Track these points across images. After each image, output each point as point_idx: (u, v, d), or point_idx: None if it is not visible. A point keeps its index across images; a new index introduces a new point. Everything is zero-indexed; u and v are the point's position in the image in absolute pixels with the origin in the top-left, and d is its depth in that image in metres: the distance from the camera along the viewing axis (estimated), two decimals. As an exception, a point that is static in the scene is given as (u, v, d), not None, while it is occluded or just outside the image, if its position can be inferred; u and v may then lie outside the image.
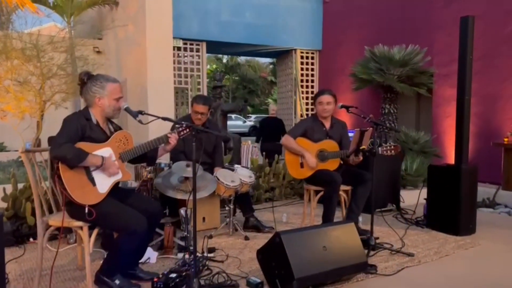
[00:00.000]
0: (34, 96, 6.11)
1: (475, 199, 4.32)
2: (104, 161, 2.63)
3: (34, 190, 2.79)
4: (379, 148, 3.67)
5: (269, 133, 7.53)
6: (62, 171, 2.54)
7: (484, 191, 5.48)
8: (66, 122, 2.66)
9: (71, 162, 2.54)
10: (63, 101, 6.43)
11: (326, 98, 4.03)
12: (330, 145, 3.97)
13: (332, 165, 3.92)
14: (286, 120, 10.57)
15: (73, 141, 2.58)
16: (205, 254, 3.33)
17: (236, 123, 22.76)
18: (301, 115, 10.19)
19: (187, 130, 2.84)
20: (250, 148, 7.68)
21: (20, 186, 4.00)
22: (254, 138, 8.55)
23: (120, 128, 2.92)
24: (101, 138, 2.75)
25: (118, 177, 2.75)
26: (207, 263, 3.19)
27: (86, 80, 2.77)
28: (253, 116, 27.22)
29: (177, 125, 2.91)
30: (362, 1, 9.08)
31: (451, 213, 4.16)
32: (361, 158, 3.78)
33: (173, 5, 7.22)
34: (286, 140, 4.01)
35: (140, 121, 2.79)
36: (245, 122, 24.40)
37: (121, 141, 2.79)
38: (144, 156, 2.95)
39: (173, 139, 2.89)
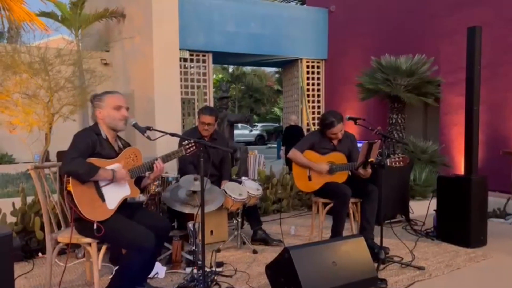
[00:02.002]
0: (43, 109, 6.16)
1: (485, 209, 4.27)
2: (114, 174, 2.65)
3: (43, 207, 2.80)
4: (388, 160, 3.64)
5: (292, 139, 8.27)
6: (72, 186, 2.55)
7: (494, 200, 5.41)
8: (76, 138, 2.68)
9: (83, 177, 2.55)
10: (71, 114, 6.47)
11: (338, 128, 3.88)
12: (338, 157, 3.94)
13: (340, 177, 3.90)
14: (293, 129, 10.57)
15: (84, 156, 2.60)
16: (214, 269, 3.31)
17: (242, 132, 22.79)
18: (308, 124, 10.18)
19: (194, 147, 2.84)
20: (257, 158, 7.68)
21: (29, 199, 4.01)
22: (260, 147, 9.36)
23: (129, 145, 2.94)
24: (111, 154, 2.77)
25: (127, 193, 2.76)
26: (215, 278, 3.17)
27: (93, 100, 2.84)
28: (260, 125, 27.24)
29: (183, 143, 2.89)
30: (368, 10, 9.10)
31: (461, 224, 4.12)
32: (370, 171, 3.75)
33: (179, 17, 7.29)
34: (293, 154, 3.99)
35: (148, 137, 2.80)
36: (251, 131, 24.41)
37: (130, 157, 2.81)
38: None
39: (157, 171, 2.83)
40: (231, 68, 30.61)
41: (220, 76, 30.31)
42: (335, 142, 4.03)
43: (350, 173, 3.98)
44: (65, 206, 2.88)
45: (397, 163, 3.67)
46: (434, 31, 7.54)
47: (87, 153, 2.63)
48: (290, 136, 8.71)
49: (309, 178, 3.94)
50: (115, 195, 2.69)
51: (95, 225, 2.57)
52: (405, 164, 3.70)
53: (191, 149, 2.86)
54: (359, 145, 4.19)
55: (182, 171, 4.10)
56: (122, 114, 2.78)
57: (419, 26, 7.84)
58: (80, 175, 2.53)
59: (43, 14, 7.93)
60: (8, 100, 6.01)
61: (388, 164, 3.65)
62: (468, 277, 3.36)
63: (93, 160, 2.63)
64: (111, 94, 2.85)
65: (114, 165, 2.71)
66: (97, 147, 2.70)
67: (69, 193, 2.55)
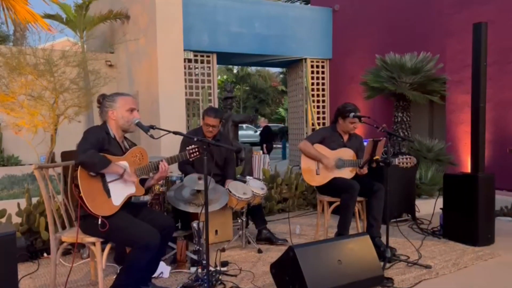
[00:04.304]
0: (48, 110, 6.18)
1: (493, 208, 4.22)
2: (125, 171, 2.69)
3: (47, 207, 2.81)
4: (395, 159, 3.62)
5: (266, 136, 12.38)
6: (80, 179, 2.58)
7: (502, 199, 5.36)
8: (87, 133, 2.74)
9: (97, 167, 2.60)
10: (76, 115, 6.49)
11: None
12: (347, 153, 3.94)
13: (348, 174, 3.88)
14: (297, 129, 10.56)
15: (95, 149, 2.64)
16: (218, 268, 3.29)
17: (247, 133, 22.76)
18: (312, 124, 10.15)
19: (197, 153, 2.86)
20: (261, 158, 7.66)
21: (35, 200, 4.03)
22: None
23: (134, 145, 2.96)
24: (118, 152, 2.81)
25: (132, 191, 2.78)
26: (220, 277, 3.15)
27: (102, 100, 2.88)
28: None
29: (187, 148, 2.91)
30: (372, 9, 9.06)
31: (468, 222, 4.07)
32: (366, 170, 3.74)
33: (183, 18, 7.29)
34: (305, 145, 3.98)
35: (151, 136, 2.80)
36: (256, 131, 24.37)
37: (137, 156, 2.85)
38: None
39: (163, 171, 2.86)
40: (235, 69, 30.63)
41: (225, 77, 30.34)
42: (345, 137, 4.02)
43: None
44: (69, 206, 2.89)
45: (404, 164, 3.66)
46: (439, 29, 7.49)
47: (98, 147, 2.67)
48: (265, 134, 12.05)
49: (317, 172, 3.93)
50: (120, 192, 2.72)
51: (99, 220, 2.58)
52: (412, 165, 3.69)
53: (195, 154, 2.89)
54: (364, 144, 4.18)
55: (181, 171, 4.10)
56: (134, 116, 2.84)
57: (424, 24, 7.78)
58: (94, 164, 2.58)
59: (48, 16, 7.96)
60: (13, 102, 6.04)
61: (396, 163, 3.63)
62: (475, 275, 3.32)
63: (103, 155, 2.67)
64: (124, 96, 2.90)
65: (121, 163, 2.74)
66: (105, 144, 2.74)
67: (76, 186, 2.59)
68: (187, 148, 2.91)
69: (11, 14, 5.73)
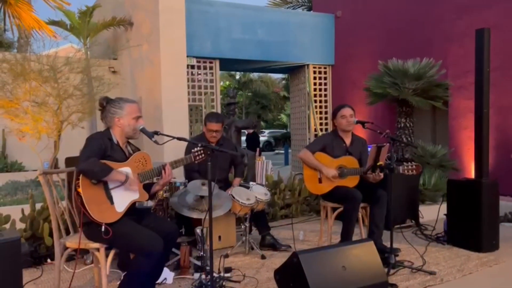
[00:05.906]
0: (51, 116, 6.20)
1: (497, 213, 4.21)
2: (128, 178, 2.68)
3: (52, 212, 2.81)
4: (400, 167, 3.60)
5: (253, 142, 13.11)
6: (82, 187, 2.57)
7: (506, 205, 5.33)
8: (90, 140, 2.73)
9: (97, 175, 2.58)
10: (79, 121, 6.51)
11: (348, 111, 3.97)
12: (349, 161, 3.92)
13: (351, 182, 3.87)
14: (300, 135, 10.55)
15: (97, 156, 2.64)
16: (222, 274, 3.29)
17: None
18: (315, 130, 10.15)
19: (202, 155, 2.85)
20: (264, 164, 7.66)
21: (38, 206, 4.03)
22: (269, 153, 12.82)
23: (138, 150, 2.96)
24: (121, 158, 2.80)
25: (135, 197, 2.77)
26: (224, 283, 3.14)
27: (105, 104, 2.86)
28: (267, 131, 27.23)
29: (193, 150, 2.90)
30: (374, 15, 9.09)
31: (472, 228, 4.06)
32: (381, 175, 3.72)
33: (186, 24, 7.33)
34: (304, 154, 3.97)
35: (156, 142, 2.81)
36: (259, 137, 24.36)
37: (140, 161, 2.84)
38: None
39: (166, 176, 2.85)
40: (238, 75, 30.71)
41: (228, 83, 30.41)
42: (348, 141, 4.01)
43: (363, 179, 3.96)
44: (74, 211, 2.89)
45: (410, 172, 3.62)
46: (442, 35, 7.50)
47: (100, 155, 2.67)
48: (251, 139, 12.92)
49: (319, 181, 3.91)
50: (123, 198, 2.70)
51: (103, 227, 2.58)
52: (418, 172, 3.67)
53: (200, 156, 2.87)
54: (367, 147, 4.18)
55: (188, 179, 4.10)
56: (140, 124, 2.85)
57: (426, 30, 7.80)
58: (95, 173, 2.57)
59: (52, 22, 8.00)
60: (17, 108, 6.06)
61: (401, 172, 3.60)
62: (480, 282, 3.30)
63: (105, 163, 2.66)
64: (130, 103, 2.88)
65: (124, 169, 2.74)
66: (108, 151, 2.74)
67: (78, 194, 2.58)
68: (193, 150, 2.90)
69: (17, 21, 5.78)
